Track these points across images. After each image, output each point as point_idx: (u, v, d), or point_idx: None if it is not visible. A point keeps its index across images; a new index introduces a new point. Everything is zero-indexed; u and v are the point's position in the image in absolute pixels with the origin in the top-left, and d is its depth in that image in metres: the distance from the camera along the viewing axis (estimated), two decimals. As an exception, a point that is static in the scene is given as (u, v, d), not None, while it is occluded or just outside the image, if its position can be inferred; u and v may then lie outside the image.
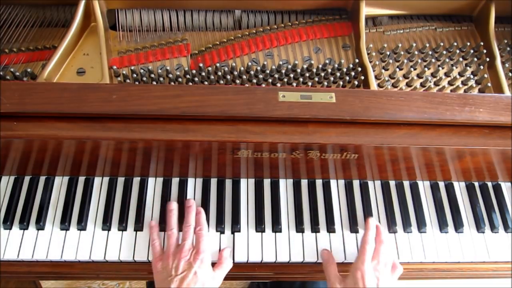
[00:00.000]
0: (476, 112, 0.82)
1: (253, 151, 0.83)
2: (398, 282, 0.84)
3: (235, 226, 0.89)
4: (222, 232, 0.89)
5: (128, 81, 0.95)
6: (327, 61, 0.99)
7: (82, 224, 0.87)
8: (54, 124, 0.78)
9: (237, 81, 0.95)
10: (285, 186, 0.95)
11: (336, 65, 0.99)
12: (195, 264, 0.79)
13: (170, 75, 0.95)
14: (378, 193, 0.96)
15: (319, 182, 0.96)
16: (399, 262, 0.86)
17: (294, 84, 0.96)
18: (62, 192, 0.92)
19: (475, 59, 1.05)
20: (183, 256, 0.80)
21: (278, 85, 0.96)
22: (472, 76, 1.01)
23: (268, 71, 0.96)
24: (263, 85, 0.96)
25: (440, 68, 1.01)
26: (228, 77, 0.95)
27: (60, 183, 0.92)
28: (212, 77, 0.95)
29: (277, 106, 0.79)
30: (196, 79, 0.95)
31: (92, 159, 0.86)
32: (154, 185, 0.94)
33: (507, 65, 1.03)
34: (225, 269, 0.84)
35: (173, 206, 0.88)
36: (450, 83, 1.01)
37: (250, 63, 0.99)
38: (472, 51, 1.05)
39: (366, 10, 1.02)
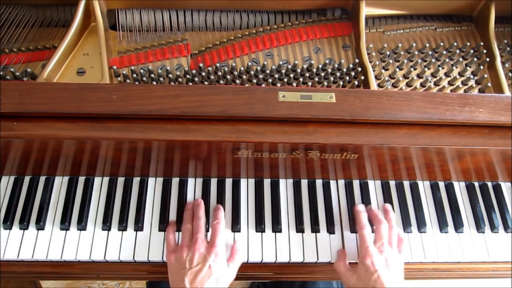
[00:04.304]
0: (476, 112, 0.82)
1: (253, 151, 0.83)
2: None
3: (235, 226, 0.89)
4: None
5: (128, 81, 0.95)
6: (327, 61, 0.99)
7: (82, 224, 0.87)
8: (54, 124, 0.78)
9: (237, 81, 0.95)
10: (285, 186, 0.95)
11: (336, 65, 0.99)
12: (209, 257, 0.78)
13: (170, 75, 0.95)
14: (378, 193, 0.96)
15: (319, 182, 0.96)
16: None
17: (294, 84, 0.96)
18: (62, 192, 0.92)
19: (475, 59, 1.05)
20: (197, 248, 0.79)
21: (278, 85, 0.96)
22: (472, 76, 1.01)
23: (268, 71, 0.96)
24: (263, 85, 0.96)
25: (440, 68, 1.01)
26: (228, 77, 0.95)
27: (60, 183, 0.92)
28: (212, 77, 0.95)
29: (277, 106, 0.79)
30: (196, 79, 0.95)
31: (92, 159, 0.86)
32: (154, 185, 0.94)
33: (507, 65, 1.03)
34: (238, 261, 0.84)
35: (190, 206, 0.89)
36: (450, 83, 1.01)
37: (250, 63, 0.99)
38: (472, 51, 1.05)
39: (366, 10, 1.02)
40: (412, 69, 0.99)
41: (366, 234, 0.83)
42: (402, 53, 1.04)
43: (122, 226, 0.88)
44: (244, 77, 0.96)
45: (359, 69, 0.97)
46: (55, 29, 1.01)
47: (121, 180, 0.94)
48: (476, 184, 0.99)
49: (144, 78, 0.95)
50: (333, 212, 0.92)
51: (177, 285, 0.77)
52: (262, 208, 0.91)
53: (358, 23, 1.01)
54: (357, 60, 0.98)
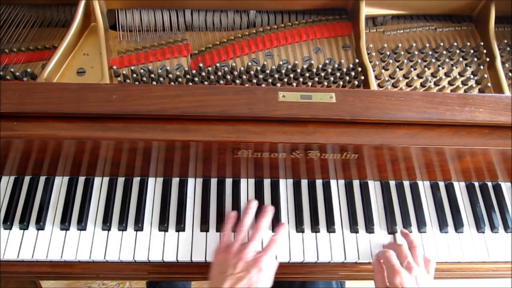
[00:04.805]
0: (476, 112, 0.82)
1: (253, 151, 0.83)
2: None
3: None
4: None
5: (128, 81, 0.95)
6: (327, 61, 0.99)
7: (82, 224, 0.87)
8: (54, 124, 0.78)
9: (237, 81, 0.95)
10: (285, 186, 0.95)
11: (336, 65, 0.99)
12: (252, 270, 0.76)
13: (170, 75, 0.95)
14: (378, 193, 0.96)
15: (319, 182, 0.96)
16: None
17: (294, 84, 0.96)
18: (62, 192, 0.92)
19: (475, 59, 1.05)
20: (245, 257, 0.78)
21: (278, 85, 0.96)
22: (472, 76, 1.01)
23: (268, 71, 0.96)
24: (263, 85, 0.96)
25: (440, 68, 1.01)
26: (228, 77, 0.95)
27: (60, 183, 0.92)
28: (212, 77, 0.95)
29: (277, 106, 0.79)
30: (196, 79, 0.95)
31: (92, 159, 0.86)
32: (154, 185, 0.94)
33: (507, 65, 1.03)
34: (273, 261, 0.82)
35: (251, 210, 0.87)
36: (450, 83, 1.01)
37: (250, 63, 0.99)
38: (472, 51, 1.05)
39: (366, 10, 1.02)
40: (412, 69, 1.00)
41: (391, 255, 0.80)
42: (402, 53, 1.04)
43: (122, 226, 0.88)
44: (244, 77, 0.96)
45: (359, 69, 0.97)
46: (55, 29, 1.01)
47: (121, 180, 0.94)
48: (476, 184, 0.99)
49: (144, 78, 0.95)
50: (333, 212, 0.92)
51: (216, 284, 0.77)
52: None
53: (358, 23, 1.01)
54: (357, 60, 0.98)
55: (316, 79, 0.98)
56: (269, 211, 0.87)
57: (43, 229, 0.88)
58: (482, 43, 1.05)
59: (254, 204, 0.89)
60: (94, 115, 0.78)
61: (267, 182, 0.95)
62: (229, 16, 1.06)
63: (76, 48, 0.98)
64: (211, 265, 0.81)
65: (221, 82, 0.94)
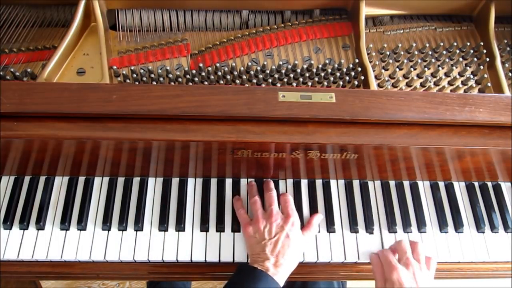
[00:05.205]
0: (476, 112, 0.82)
1: (253, 151, 0.83)
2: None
3: (236, 226, 0.89)
4: (222, 231, 0.89)
5: (128, 81, 0.95)
6: (327, 61, 0.99)
7: (82, 224, 0.87)
8: (54, 124, 0.78)
9: (237, 81, 0.95)
10: (285, 186, 0.95)
11: (336, 65, 0.99)
12: (286, 226, 0.83)
13: (170, 75, 0.95)
14: (378, 193, 0.96)
15: (319, 182, 0.96)
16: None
17: (294, 84, 0.96)
18: (62, 192, 0.92)
19: (475, 59, 1.05)
20: (274, 220, 0.83)
21: (278, 85, 0.96)
22: (472, 76, 1.01)
23: (268, 71, 0.96)
24: (263, 85, 0.96)
25: (440, 68, 1.01)
26: (228, 77, 0.95)
27: (60, 183, 0.92)
28: (212, 77, 0.95)
29: (277, 106, 0.79)
30: (196, 79, 0.95)
31: (92, 159, 0.86)
32: (154, 185, 0.94)
33: (507, 65, 1.03)
34: (313, 232, 0.88)
35: (252, 182, 0.94)
36: (450, 83, 1.01)
37: (250, 63, 0.99)
38: (472, 51, 1.05)
39: (366, 10, 1.02)
40: (412, 69, 0.99)
41: (386, 253, 0.82)
42: (402, 53, 1.04)
43: (122, 226, 0.88)
44: (244, 77, 0.96)
45: (359, 69, 0.97)
46: (55, 29, 1.01)
47: (121, 180, 0.94)
48: (476, 184, 0.99)
49: (144, 78, 0.95)
50: (333, 212, 0.92)
51: (257, 255, 0.80)
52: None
53: (358, 23, 1.01)
54: (357, 60, 0.98)
55: (316, 79, 0.98)
56: (269, 181, 0.93)
57: (43, 229, 0.88)
58: (482, 43, 1.05)
59: (253, 181, 0.94)
60: (94, 115, 0.78)
61: (267, 182, 0.95)
62: (229, 16, 1.06)
63: (76, 48, 0.98)
64: (245, 239, 0.85)
65: (221, 82, 0.94)
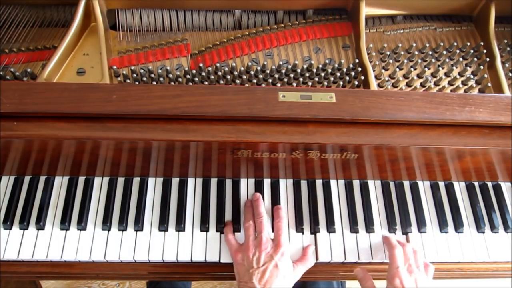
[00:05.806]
0: (476, 112, 0.82)
1: (253, 151, 0.83)
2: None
3: (236, 226, 0.89)
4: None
5: (128, 81, 0.95)
6: (327, 61, 0.99)
7: (82, 224, 0.87)
8: (54, 124, 0.78)
9: (237, 81, 0.95)
10: (285, 186, 0.95)
11: (336, 65, 0.99)
12: (275, 256, 0.80)
13: (170, 75, 0.95)
14: (378, 193, 0.96)
15: (319, 182, 0.96)
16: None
17: (294, 84, 0.96)
18: (62, 192, 0.92)
19: (475, 59, 1.05)
20: (263, 248, 0.81)
21: (278, 85, 0.96)
22: (472, 76, 1.01)
23: (268, 71, 0.96)
24: (263, 85, 0.96)
25: (440, 68, 1.01)
26: (228, 77, 0.95)
27: (60, 183, 0.92)
28: (212, 77, 0.95)
29: (277, 106, 0.79)
30: (196, 79, 0.95)
31: (92, 159, 0.86)
32: (154, 185, 0.94)
33: (507, 65, 1.03)
34: (307, 266, 0.86)
35: (249, 203, 0.91)
36: (450, 83, 1.01)
37: (250, 63, 0.99)
38: (472, 51, 1.05)
39: (366, 10, 1.02)
40: (412, 69, 0.99)
41: (397, 254, 0.82)
42: (402, 53, 1.04)
43: (122, 226, 0.88)
44: (244, 77, 0.96)
45: (359, 69, 0.97)
46: (55, 29, 1.01)
47: (121, 180, 0.94)
48: (476, 184, 0.99)
49: (144, 78, 0.95)
50: (333, 212, 0.92)
51: (245, 283, 0.79)
52: (262, 208, 0.91)
53: (358, 23, 1.01)
54: (357, 60, 0.98)
55: (316, 79, 0.98)
56: (259, 198, 0.90)
57: (43, 229, 0.88)
58: (482, 43, 1.05)
59: (249, 203, 0.91)
60: (94, 115, 0.78)
61: (267, 182, 0.95)
62: (229, 16, 1.06)
63: (76, 48, 0.98)
64: (234, 265, 0.83)
65: (221, 82, 0.94)
